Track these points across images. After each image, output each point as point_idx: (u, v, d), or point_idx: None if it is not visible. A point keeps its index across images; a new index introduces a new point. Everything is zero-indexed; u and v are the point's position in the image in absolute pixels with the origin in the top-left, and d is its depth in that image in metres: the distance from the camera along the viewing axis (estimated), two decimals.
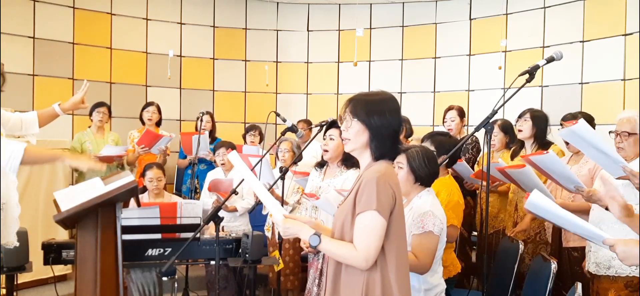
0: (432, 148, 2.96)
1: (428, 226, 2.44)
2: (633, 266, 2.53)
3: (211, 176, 4.55)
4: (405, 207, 2.61)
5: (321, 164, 3.58)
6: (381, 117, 1.84)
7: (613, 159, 2.50)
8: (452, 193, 3.06)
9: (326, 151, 3.36)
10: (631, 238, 1.83)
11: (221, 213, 2.76)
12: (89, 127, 4.90)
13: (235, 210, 4.25)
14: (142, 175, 4.15)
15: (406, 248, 1.89)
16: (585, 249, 2.90)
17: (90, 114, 4.86)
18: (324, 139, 3.36)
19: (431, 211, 2.48)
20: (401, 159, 2.61)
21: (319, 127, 3.44)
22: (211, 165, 5.12)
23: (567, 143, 3.42)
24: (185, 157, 5.23)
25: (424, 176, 2.58)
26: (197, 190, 4.90)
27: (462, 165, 3.73)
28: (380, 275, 1.80)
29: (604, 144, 2.49)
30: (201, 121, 5.08)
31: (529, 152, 3.83)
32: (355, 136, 1.87)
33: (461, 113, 4.58)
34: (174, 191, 5.52)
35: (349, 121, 1.87)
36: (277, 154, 4.27)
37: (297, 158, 3.85)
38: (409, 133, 4.72)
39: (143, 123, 5.23)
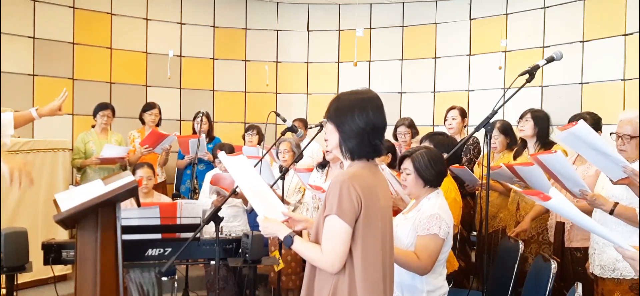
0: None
1: (433, 228, 2.42)
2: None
3: (211, 175, 4.54)
4: (413, 209, 2.59)
5: (323, 164, 3.58)
6: (349, 117, 1.83)
7: (614, 159, 2.46)
8: (448, 191, 3.06)
9: (328, 152, 3.36)
10: None
11: (221, 213, 2.76)
12: (93, 127, 4.91)
13: (246, 200, 4.25)
14: (132, 172, 4.14)
15: (378, 253, 1.84)
16: (589, 250, 2.89)
17: (94, 116, 4.87)
18: (325, 139, 3.36)
19: (438, 214, 2.46)
20: (407, 164, 2.59)
21: (318, 128, 3.44)
22: (210, 165, 5.12)
23: None
24: (183, 157, 5.23)
25: (432, 178, 2.56)
26: (196, 190, 4.89)
27: (463, 170, 3.74)
28: (348, 279, 1.79)
29: (605, 146, 2.46)
30: (200, 122, 5.08)
31: (531, 152, 3.83)
32: (330, 136, 1.91)
33: (463, 113, 4.61)
34: (174, 192, 5.52)
35: (326, 122, 1.92)
36: (277, 154, 4.27)
37: (297, 157, 3.85)
38: (415, 133, 4.73)
39: (143, 124, 5.23)
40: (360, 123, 1.82)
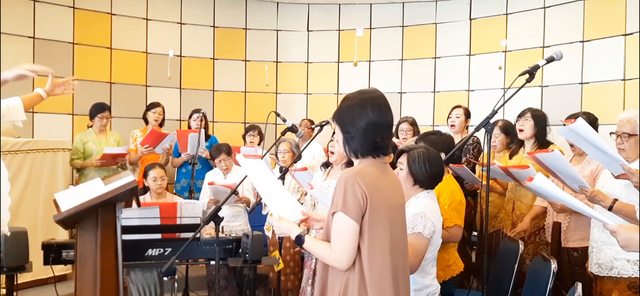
0: None
1: (417, 227, 2.39)
2: (633, 259, 2.54)
3: (210, 176, 4.54)
4: None
5: (326, 164, 3.59)
6: (350, 117, 1.87)
7: (613, 157, 2.52)
8: (454, 193, 3.05)
9: (332, 153, 3.36)
10: (633, 225, 1.83)
11: (221, 213, 2.76)
12: (90, 127, 4.90)
13: (248, 202, 4.25)
14: (144, 176, 4.14)
15: (386, 249, 1.84)
16: (588, 249, 2.90)
17: (91, 117, 4.86)
18: (331, 141, 3.38)
19: (423, 212, 2.43)
20: (402, 159, 2.57)
21: (318, 128, 3.45)
22: (207, 164, 5.10)
23: (571, 145, 3.43)
24: (179, 155, 5.18)
25: (423, 180, 2.51)
26: (193, 190, 4.80)
27: (463, 169, 3.74)
28: (358, 276, 1.81)
29: (603, 143, 2.51)
30: (199, 120, 5.06)
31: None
32: (337, 137, 1.94)
33: (467, 113, 4.64)
34: (174, 191, 5.51)
35: (335, 124, 1.96)
36: (276, 155, 4.27)
37: (297, 158, 3.85)
38: (416, 132, 4.73)
39: (146, 123, 5.23)
40: (361, 123, 1.85)
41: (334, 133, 3.37)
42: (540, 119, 3.76)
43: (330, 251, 1.82)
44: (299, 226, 2.05)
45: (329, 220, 1.86)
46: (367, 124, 1.84)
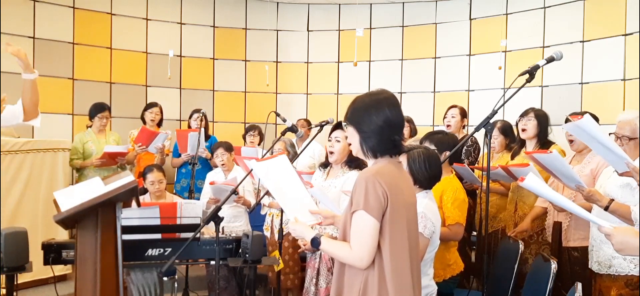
0: (433, 148, 2.95)
1: (418, 227, 2.41)
2: (629, 256, 2.55)
3: (211, 176, 4.54)
4: None
5: (325, 164, 3.59)
6: (366, 117, 1.89)
7: (618, 155, 2.52)
8: (457, 191, 3.06)
9: (332, 153, 3.36)
10: (629, 227, 1.82)
11: (221, 213, 2.76)
12: (88, 127, 4.90)
13: (249, 205, 4.24)
14: (142, 176, 4.14)
15: (405, 247, 1.88)
16: (588, 248, 2.91)
17: (91, 117, 4.86)
18: (329, 140, 3.37)
19: (423, 213, 2.45)
20: (402, 159, 2.59)
21: (318, 128, 3.44)
22: (207, 164, 5.09)
23: (570, 142, 3.44)
24: (179, 156, 5.17)
25: (423, 180, 2.55)
26: (192, 190, 4.80)
27: (464, 169, 3.75)
28: (377, 274, 1.83)
29: (609, 141, 2.52)
30: (202, 120, 5.06)
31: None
32: (351, 139, 1.95)
33: (463, 113, 4.63)
34: (174, 192, 5.50)
35: (346, 126, 1.97)
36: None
37: (293, 158, 3.84)
38: (414, 133, 4.74)
39: (144, 123, 5.23)
40: (378, 121, 1.87)
41: (331, 133, 3.37)
42: (543, 119, 3.76)
43: (350, 250, 1.83)
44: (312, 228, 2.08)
45: (347, 220, 1.88)
46: (384, 121, 1.87)
